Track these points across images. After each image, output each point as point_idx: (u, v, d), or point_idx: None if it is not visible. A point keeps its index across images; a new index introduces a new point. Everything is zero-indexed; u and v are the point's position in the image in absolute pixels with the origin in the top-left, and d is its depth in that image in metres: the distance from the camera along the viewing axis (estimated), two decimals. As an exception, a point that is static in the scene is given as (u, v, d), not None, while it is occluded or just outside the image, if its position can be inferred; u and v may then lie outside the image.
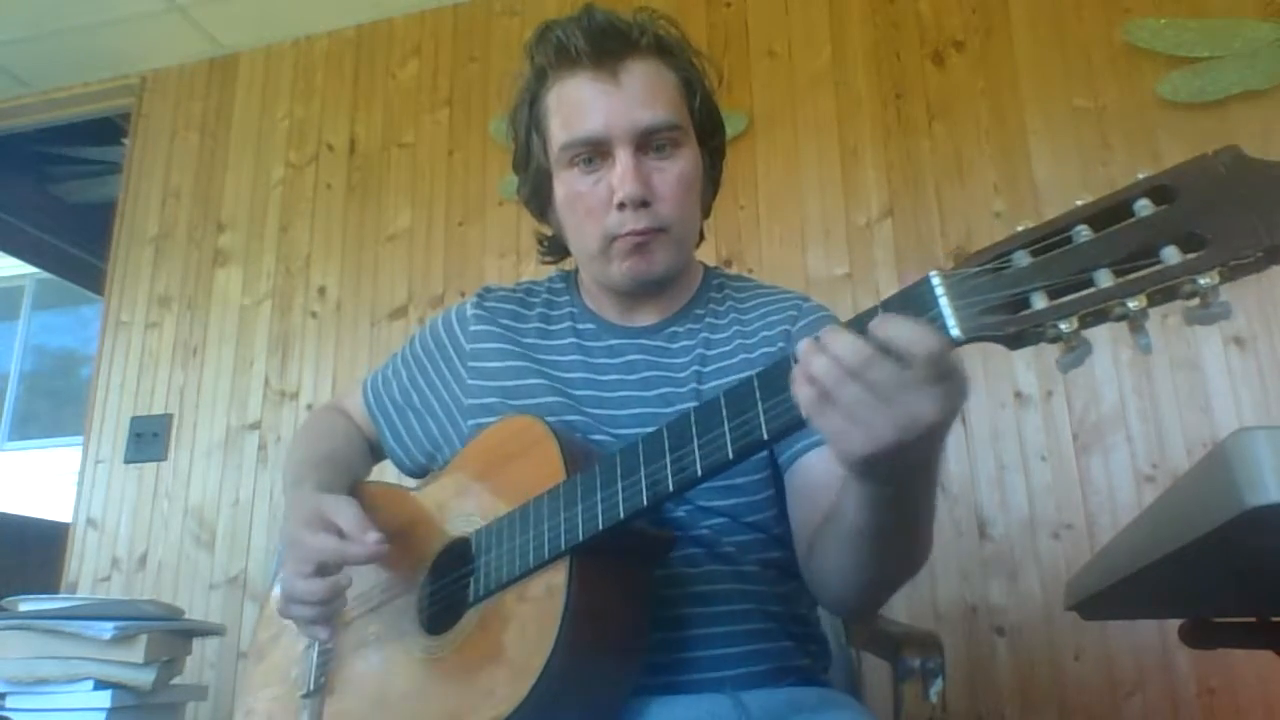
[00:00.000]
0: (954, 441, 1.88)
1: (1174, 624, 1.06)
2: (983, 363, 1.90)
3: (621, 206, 0.92)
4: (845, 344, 0.59)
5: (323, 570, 0.83)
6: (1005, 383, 1.88)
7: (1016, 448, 1.86)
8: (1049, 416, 1.86)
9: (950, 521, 1.85)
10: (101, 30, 2.60)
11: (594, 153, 0.94)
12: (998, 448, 1.87)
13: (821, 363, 0.60)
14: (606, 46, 0.93)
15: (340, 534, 0.83)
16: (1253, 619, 0.99)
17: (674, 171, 0.94)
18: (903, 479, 0.66)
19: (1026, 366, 1.88)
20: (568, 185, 0.96)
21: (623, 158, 0.92)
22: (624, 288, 0.98)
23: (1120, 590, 0.80)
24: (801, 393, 0.61)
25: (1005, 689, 1.76)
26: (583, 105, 0.93)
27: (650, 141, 0.93)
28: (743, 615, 0.88)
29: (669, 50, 0.97)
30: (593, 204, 0.94)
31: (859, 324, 0.62)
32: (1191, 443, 1.77)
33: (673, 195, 0.94)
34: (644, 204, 0.92)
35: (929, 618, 1.81)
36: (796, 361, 0.62)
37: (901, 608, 1.79)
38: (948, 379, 0.58)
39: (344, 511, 0.84)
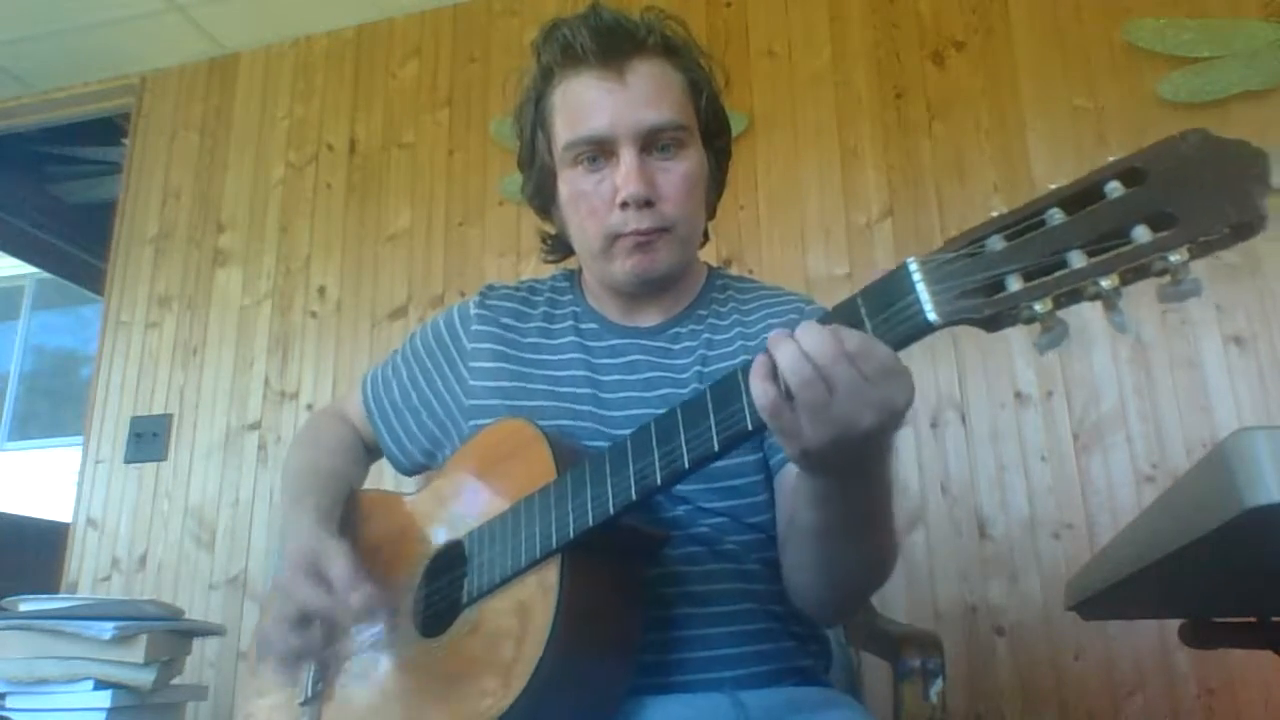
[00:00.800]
0: (954, 441, 1.88)
1: (1174, 624, 1.06)
2: (983, 362, 1.90)
3: (625, 206, 0.92)
4: (814, 340, 0.62)
5: (304, 620, 0.84)
6: (1005, 383, 1.88)
7: (1016, 448, 1.86)
8: (1049, 416, 1.86)
9: (950, 521, 1.85)
10: (101, 30, 2.60)
11: (598, 151, 0.93)
12: (998, 448, 1.87)
13: (790, 356, 0.62)
14: (613, 45, 0.93)
15: (330, 586, 0.83)
16: (1253, 619, 0.99)
17: (678, 171, 0.94)
18: (847, 476, 0.70)
19: (1026, 365, 1.88)
20: (571, 184, 0.96)
21: (627, 157, 0.92)
22: (627, 287, 0.98)
23: (1120, 590, 0.80)
24: (759, 387, 0.64)
25: (1005, 689, 1.76)
26: (588, 104, 0.93)
27: (655, 141, 0.93)
28: (745, 615, 0.88)
29: (676, 50, 0.97)
30: (596, 203, 0.94)
31: (831, 319, 0.64)
32: (1191, 443, 1.77)
33: (677, 195, 0.94)
34: (647, 203, 0.92)
35: (929, 618, 1.81)
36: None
37: (901, 608, 1.79)
38: (890, 383, 0.62)
39: (336, 564, 0.84)
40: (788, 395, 0.63)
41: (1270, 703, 1.63)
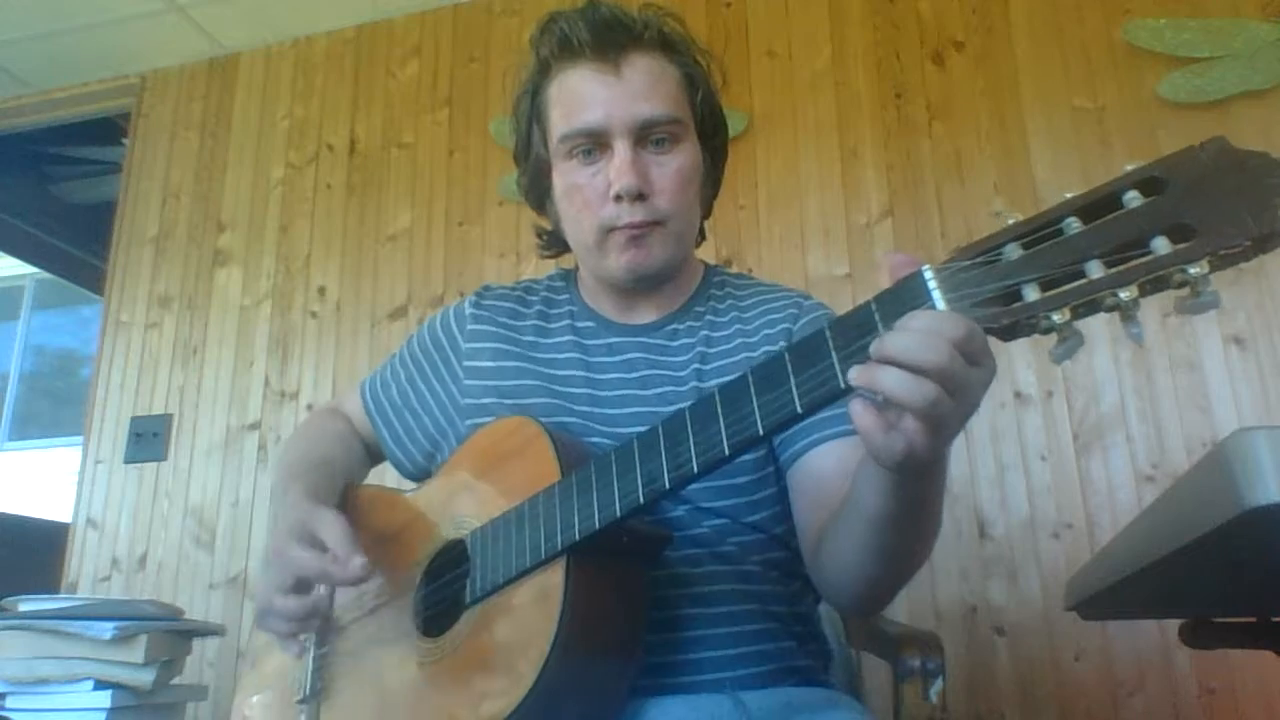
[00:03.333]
0: (954, 441, 1.88)
1: (1174, 624, 1.06)
2: (983, 363, 1.89)
3: (618, 199, 0.92)
4: (920, 345, 0.56)
5: (301, 586, 0.83)
6: (1005, 383, 1.88)
7: (1016, 448, 1.86)
8: (1049, 416, 1.86)
9: (950, 521, 1.85)
10: (101, 30, 2.60)
11: (593, 144, 0.93)
12: (998, 448, 1.87)
13: (898, 379, 0.57)
14: (609, 38, 0.93)
15: (325, 551, 0.81)
16: (1253, 619, 0.99)
17: (672, 165, 0.94)
18: (935, 463, 0.66)
19: (1026, 366, 1.88)
20: (566, 176, 0.96)
21: (621, 150, 0.92)
22: (621, 281, 0.98)
23: (1120, 590, 0.80)
24: (867, 421, 0.59)
25: (1005, 689, 1.76)
26: (583, 96, 0.93)
27: (649, 135, 0.93)
28: (746, 616, 0.88)
29: (672, 46, 0.97)
30: (590, 195, 0.94)
31: (852, 326, 0.62)
32: (1191, 443, 1.77)
33: (670, 189, 0.94)
34: (640, 196, 0.92)
35: (929, 618, 1.81)
36: (850, 386, 0.59)
37: (901, 608, 1.79)
38: (989, 358, 0.59)
39: (331, 528, 0.82)
40: (901, 412, 0.58)
41: (1270, 703, 1.63)
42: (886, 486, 0.69)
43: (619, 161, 0.92)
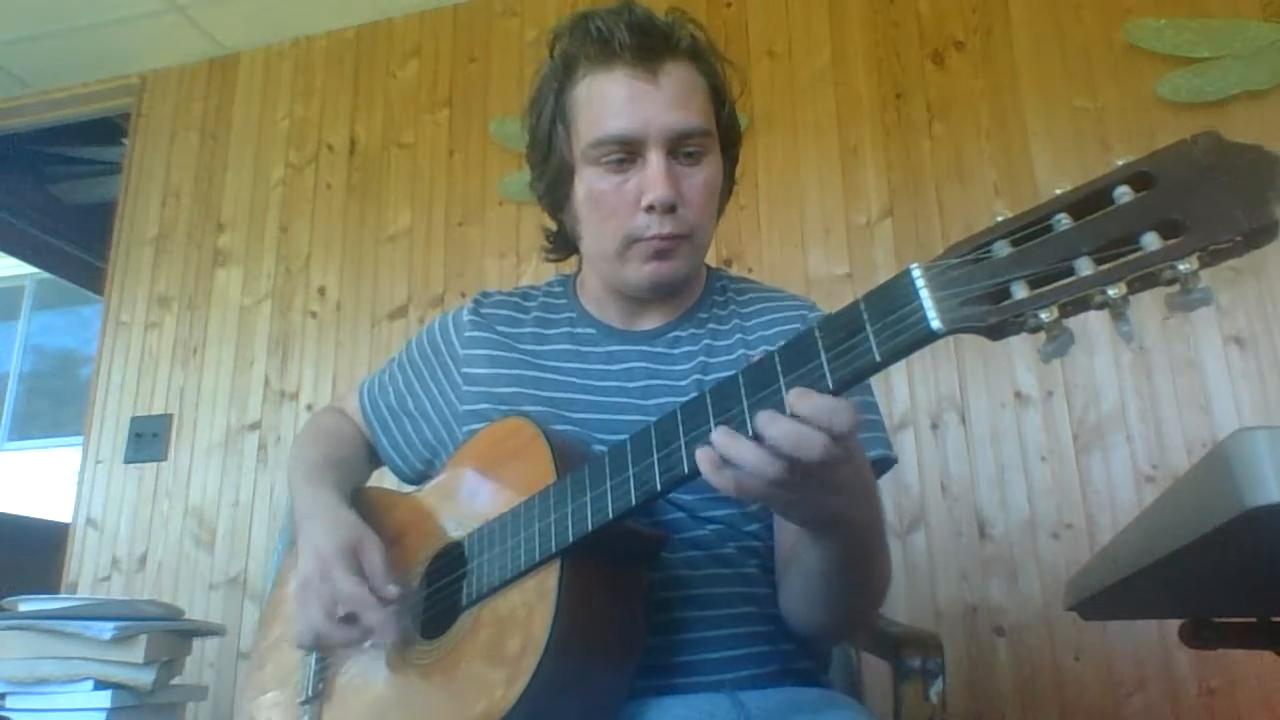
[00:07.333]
0: (954, 441, 1.88)
1: (1174, 624, 1.06)
2: (983, 363, 1.90)
3: (650, 209, 0.90)
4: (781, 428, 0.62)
5: (350, 615, 0.84)
6: (1005, 383, 1.88)
7: (1016, 448, 1.86)
8: (1049, 416, 1.86)
9: (950, 521, 1.85)
10: (101, 30, 2.60)
11: (625, 151, 0.91)
12: (998, 448, 1.87)
13: (754, 453, 0.63)
14: (648, 44, 0.90)
15: (365, 576, 0.84)
16: (1253, 619, 0.99)
17: (701, 178, 0.93)
18: (843, 519, 0.72)
19: (1027, 367, 1.88)
20: (591, 183, 0.93)
21: (655, 160, 0.90)
22: (639, 292, 0.97)
23: (1120, 590, 0.80)
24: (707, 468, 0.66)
25: (1005, 689, 1.75)
26: (618, 102, 0.90)
27: (681, 146, 0.91)
28: (745, 618, 0.88)
29: (702, 56, 0.95)
30: (617, 204, 0.91)
31: (841, 326, 0.62)
32: (1191, 443, 1.77)
33: (698, 202, 0.93)
34: (672, 209, 0.90)
35: (929, 618, 1.80)
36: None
37: (901, 608, 1.79)
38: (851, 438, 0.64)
39: (374, 555, 0.85)
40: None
41: (1270, 703, 1.63)
42: (808, 538, 0.76)
43: (653, 172, 0.89)
